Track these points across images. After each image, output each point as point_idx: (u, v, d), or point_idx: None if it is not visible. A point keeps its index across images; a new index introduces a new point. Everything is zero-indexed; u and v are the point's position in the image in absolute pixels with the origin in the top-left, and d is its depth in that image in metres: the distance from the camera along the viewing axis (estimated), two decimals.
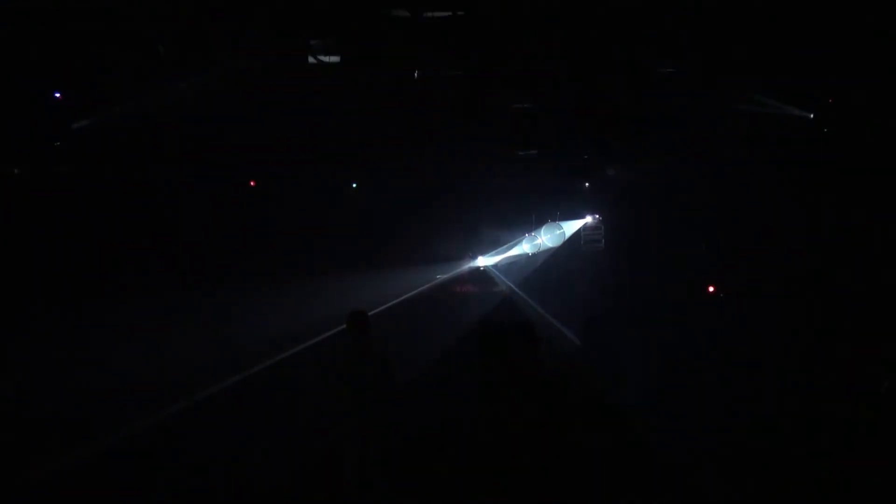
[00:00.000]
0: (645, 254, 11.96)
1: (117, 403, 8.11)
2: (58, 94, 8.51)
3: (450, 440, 6.84)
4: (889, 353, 7.75)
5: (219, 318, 10.27)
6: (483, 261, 13.73)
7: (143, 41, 7.57)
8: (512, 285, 13.44)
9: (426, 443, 7.26)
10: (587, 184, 12.66)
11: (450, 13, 7.29)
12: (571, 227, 13.16)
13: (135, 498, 6.65)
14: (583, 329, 6.18)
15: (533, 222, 13.38)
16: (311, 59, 7.89)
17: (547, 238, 13.34)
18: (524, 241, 13.62)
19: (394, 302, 12.32)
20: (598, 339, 6.27)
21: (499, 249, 13.75)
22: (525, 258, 13.64)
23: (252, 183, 11.49)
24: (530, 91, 8.91)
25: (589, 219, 12.92)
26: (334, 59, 7.89)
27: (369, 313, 6.58)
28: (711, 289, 11.62)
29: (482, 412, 5.32)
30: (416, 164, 11.27)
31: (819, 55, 7.95)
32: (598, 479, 5.48)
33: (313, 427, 6.71)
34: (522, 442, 5.11)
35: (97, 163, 9.64)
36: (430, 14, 7.27)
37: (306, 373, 8.45)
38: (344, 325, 6.45)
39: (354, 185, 12.27)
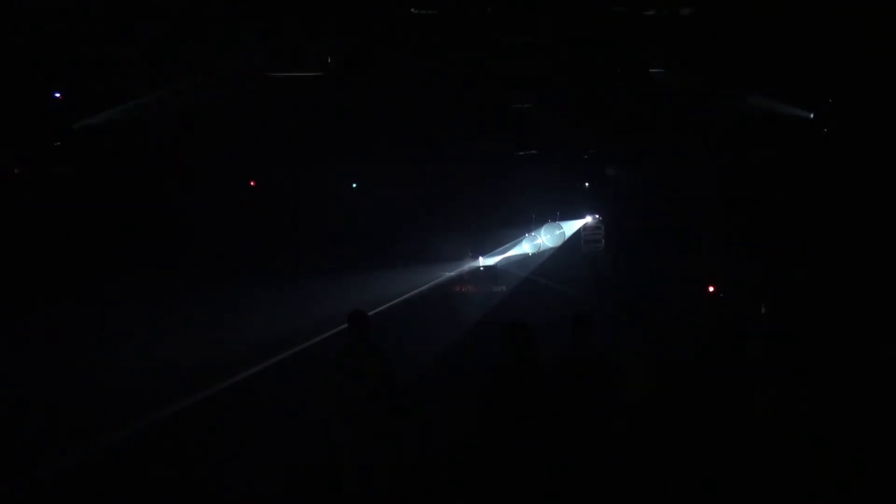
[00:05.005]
0: (645, 253, 11.97)
1: (112, 404, 8.10)
2: (58, 94, 8.53)
3: (454, 442, 6.83)
4: (890, 352, 7.76)
5: (217, 318, 10.26)
6: (483, 261, 13.74)
7: (143, 41, 7.58)
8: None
9: (429, 444, 7.26)
10: (587, 184, 12.68)
11: (450, 13, 7.30)
12: (571, 227, 13.18)
13: (132, 499, 6.64)
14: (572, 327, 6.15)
15: (533, 222, 13.40)
16: (311, 59, 7.90)
17: (547, 238, 13.36)
18: (524, 241, 13.63)
19: (394, 302, 12.32)
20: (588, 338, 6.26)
21: (499, 249, 13.76)
22: (525, 258, 13.67)
23: (252, 183, 11.51)
24: (530, 91, 8.92)
25: (589, 219, 12.94)
26: (335, 58, 7.91)
27: (370, 313, 6.57)
28: (711, 289, 11.62)
29: (490, 415, 5.30)
30: (416, 164, 11.28)
31: (819, 55, 7.96)
32: (604, 481, 5.48)
33: (314, 429, 6.69)
34: (531, 444, 5.10)
35: (97, 163, 9.65)
36: (431, 13, 7.28)
37: (306, 373, 8.43)
38: (344, 325, 6.43)
39: (354, 185, 12.29)
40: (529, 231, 13.51)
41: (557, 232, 13.28)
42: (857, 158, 9.03)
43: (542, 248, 13.49)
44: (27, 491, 6.59)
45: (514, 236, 13.70)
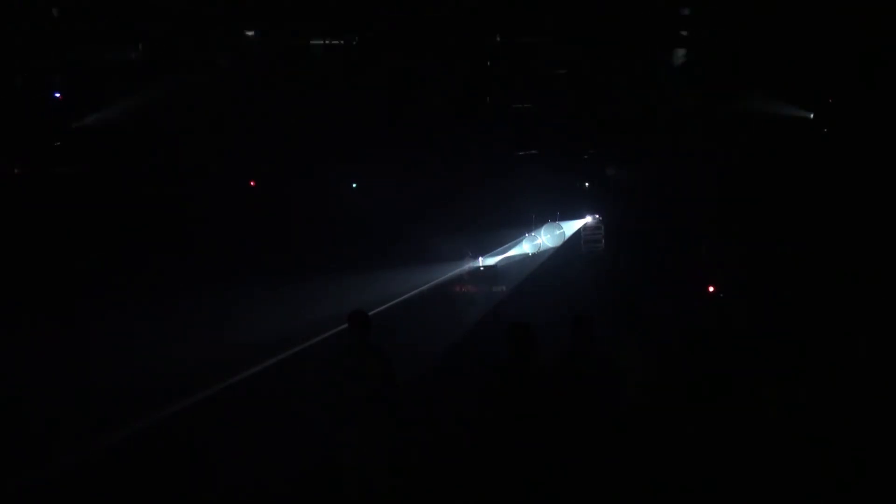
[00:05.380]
0: (645, 253, 11.97)
1: (112, 404, 8.10)
2: (58, 94, 8.54)
3: (454, 441, 6.83)
4: (890, 350, 7.75)
5: (218, 318, 10.26)
6: (483, 260, 13.74)
7: (143, 40, 7.59)
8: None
9: (430, 444, 7.26)
10: (587, 184, 12.69)
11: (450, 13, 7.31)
12: (571, 227, 13.18)
13: (132, 499, 6.63)
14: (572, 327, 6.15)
15: (533, 222, 13.39)
16: (311, 58, 7.91)
17: (547, 238, 13.36)
18: (524, 241, 13.63)
19: (394, 302, 12.32)
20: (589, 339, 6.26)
21: (499, 249, 13.76)
22: (525, 257, 13.67)
23: (252, 183, 11.50)
24: (530, 91, 8.93)
25: (589, 219, 12.94)
26: (334, 57, 7.91)
27: (370, 313, 6.56)
28: (711, 289, 11.62)
29: (490, 414, 5.30)
30: (415, 164, 11.28)
31: (819, 55, 7.97)
32: (604, 481, 5.47)
33: (314, 429, 6.69)
34: (531, 444, 5.10)
35: (97, 163, 9.65)
36: (430, 13, 7.29)
37: (306, 373, 8.43)
38: (344, 325, 6.42)
39: (354, 186, 12.28)
40: (529, 231, 13.50)
41: (557, 232, 13.27)
42: (857, 158, 9.04)
43: (542, 248, 13.48)
44: (27, 491, 6.59)
45: (514, 236, 13.69)
